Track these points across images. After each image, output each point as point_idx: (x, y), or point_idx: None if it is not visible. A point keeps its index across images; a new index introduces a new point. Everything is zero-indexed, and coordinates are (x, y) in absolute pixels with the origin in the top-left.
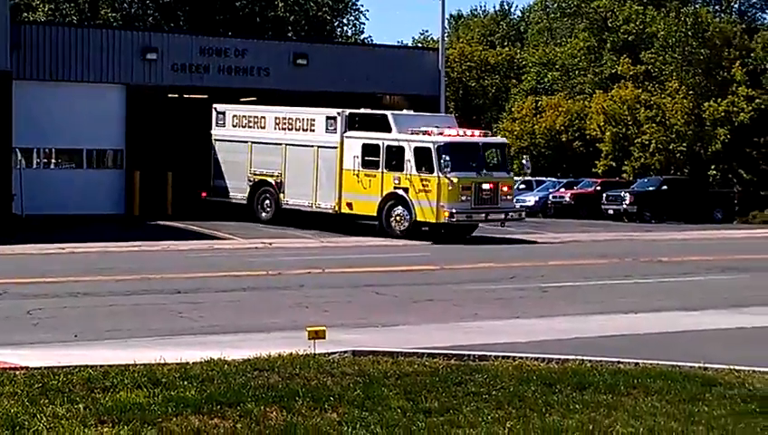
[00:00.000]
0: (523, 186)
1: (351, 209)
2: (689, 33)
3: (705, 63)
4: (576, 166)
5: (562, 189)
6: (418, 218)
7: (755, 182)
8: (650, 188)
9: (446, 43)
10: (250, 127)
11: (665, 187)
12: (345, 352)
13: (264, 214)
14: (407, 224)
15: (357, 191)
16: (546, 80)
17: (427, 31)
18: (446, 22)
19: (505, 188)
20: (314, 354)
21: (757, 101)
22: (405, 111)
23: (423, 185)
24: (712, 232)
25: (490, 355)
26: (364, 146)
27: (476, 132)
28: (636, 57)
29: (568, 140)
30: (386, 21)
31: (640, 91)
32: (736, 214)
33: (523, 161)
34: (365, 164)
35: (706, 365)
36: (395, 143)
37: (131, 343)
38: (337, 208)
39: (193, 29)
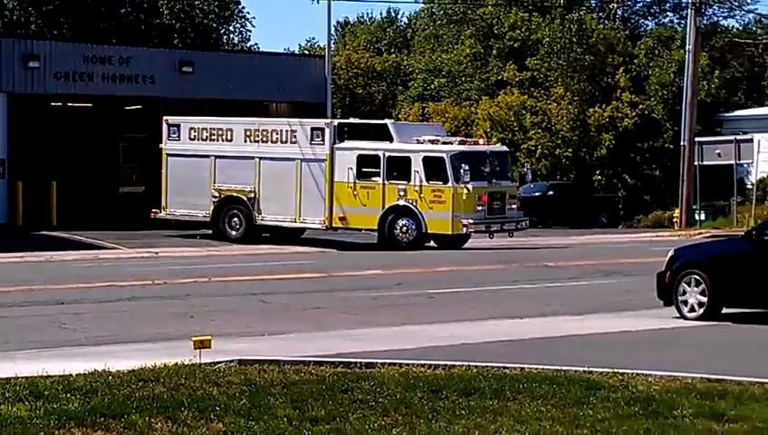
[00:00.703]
0: None
1: (345, 223)
2: (574, 39)
3: (589, 70)
4: None
5: None
6: (429, 230)
7: (639, 187)
8: (536, 194)
9: (333, 50)
10: (213, 140)
11: (551, 192)
12: (231, 361)
13: (233, 232)
14: (414, 236)
15: (351, 204)
16: (433, 86)
17: (313, 38)
18: (333, 29)
19: (512, 198)
20: (200, 364)
21: (641, 106)
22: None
23: (435, 196)
24: (597, 237)
25: (377, 362)
26: (360, 157)
27: (480, 141)
28: (522, 63)
29: None
30: (273, 28)
31: (526, 97)
32: (621, 218)
33: (526, 169)
34: (361, 175)
35: (591, 369)
36: (398, 153)
37: (12, 355)
38: (327, 223)
39: (76, 37)
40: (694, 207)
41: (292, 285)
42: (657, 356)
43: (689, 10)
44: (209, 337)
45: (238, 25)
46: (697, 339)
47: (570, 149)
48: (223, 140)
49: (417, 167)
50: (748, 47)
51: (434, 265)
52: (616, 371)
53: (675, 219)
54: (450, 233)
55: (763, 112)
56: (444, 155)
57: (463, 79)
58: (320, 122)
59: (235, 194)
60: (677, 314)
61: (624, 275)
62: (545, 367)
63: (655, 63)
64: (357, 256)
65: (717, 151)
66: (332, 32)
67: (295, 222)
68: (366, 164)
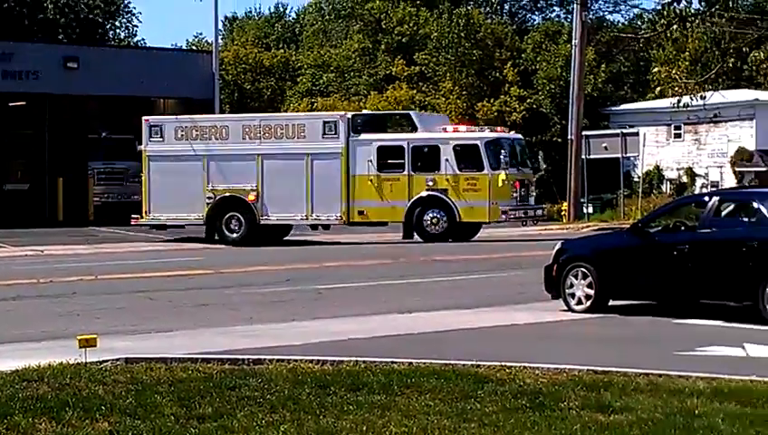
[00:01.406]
0: None
1: (365, 217)
2: (462, 34)
3: (477, 64)
4: None
5: None
6: (464, 219)
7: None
8: None
9: (221, 45)
10: (205, 139)
11: None
12: (117, 359)
13: (232, 235)
14: (445, 226)
15: (373, 198)
16: (321, 82)
17: (201, 33)
18: (221, 24)
19: (532, 186)
20: (86, 363)
21: (529, 101)
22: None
23: (469, 184)
24: (487, 231)
25: (264, 359)
26: (381, 148)
27: (498, 129)
28: (410, 58)
29: None
30: (160, 23)
31: (415, 91)
32: None
33: (539, 157)
34: (383, 168)
35: (479, 363)
36: (425, 143)
37: None
38: (345, 218)
39: None
40: (582, 200)
41: (180, 282)
42: (544, 349)
43: (575, 5)
44: (95, 336)
45: (124, 21)
46: (584, 331)
47: None
48: (216, 139)
49: (448, 155)
50: (633, 41)
51: (323, 261)
52: (504, 364)
53: (563, 212)
54: (487, 221)
55: (647, 106)
56: (478, 142)
57: (351, 74)
58: (333, 115)
59: (233, 194)
60: (565, 307)
61: (513, 269)
62: (434, 361)
63: (542, 58)
64: (247, 252)
65: (604, 145)
66: (220, 27)
67: (307, 219)
68: (388, 156)
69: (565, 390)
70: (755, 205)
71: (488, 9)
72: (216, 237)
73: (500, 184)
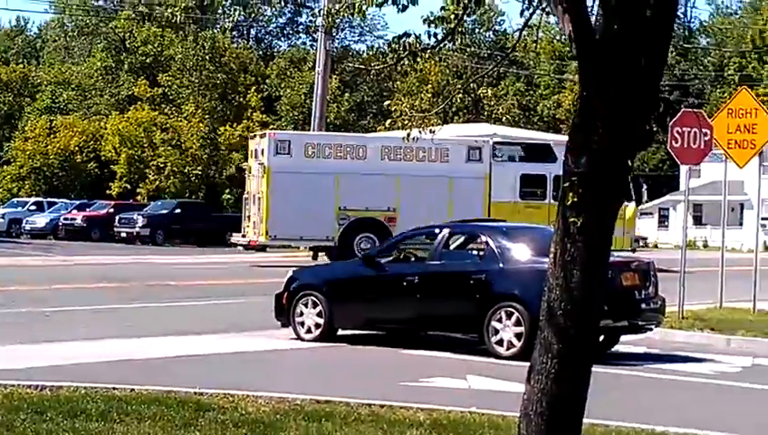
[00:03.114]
0: (33, 207)
1: None
2: (207, 57)
3: (221, 88)
4: (91, 187)
5: (75, 211)
6: None
7: None
8: (164, 211)
9: None
10: (339, 157)
11: (178, 210)
12: None
13: None
14: None
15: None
16: (62, 99)
17: None
18: None
19: None
20: None
21: (272, 126)
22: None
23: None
24: (224, 256)
25: None
26: (524, 176)
27: None
28: (154, 79)
29: (83, 161)
30: None
31: (157, 113)
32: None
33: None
34: (525, 195)
35: (202, 390)
36: None
37: None
38: None
39: None
40: None
41: None
42: (270, 377)
43: (321, 33)
44: None
45: None
46: (312, 360)
47: (199, 167)
48: (352, 158)
49: None
50: (377, 72)
51: (51, 283)
52: (227, 392)
53: None
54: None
55: (386, 136)
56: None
57: (93, 93)
58: (478, 140)
59: (367, 215)
60: (295, 336)
61: (245, 296)
62: (156, 388)
63: (286, 84)
64: None
65: None
66: None
67: None
68: (530, 184)
69: (287, 419)
70: (483, 238)
71: (235, 33)
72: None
73: (631, 214)
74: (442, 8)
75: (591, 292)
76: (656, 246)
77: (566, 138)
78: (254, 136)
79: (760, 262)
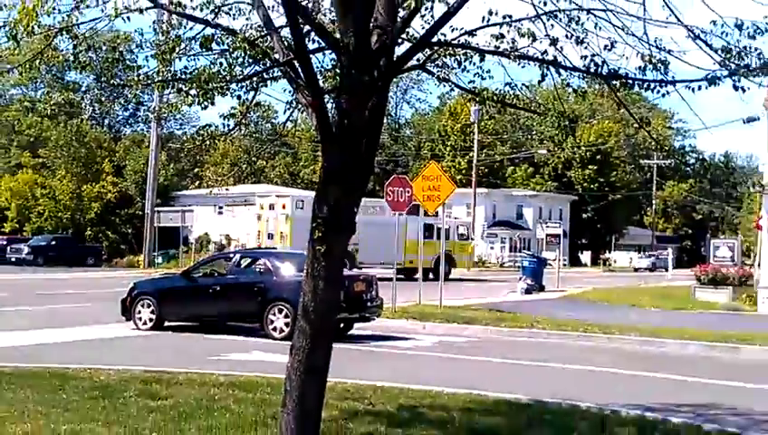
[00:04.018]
0: None
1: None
2: (73, 138)
3: (84, 159)
4: None
5: None
6: None
7: (118, 240)
8: (43, 243)
9: None
10: None
11: (54, 242)
12: None
13: None
14: None
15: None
16: None
17: None
18: None
19: None
20: None
21: (120, 185)
22: None
23: None
24: (86, 274)
25: None
26: (425, 225)
27: None
28: (35, 152)
29: None
30: None
31: (38, 176)
32: (105, 261)
33: None
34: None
35: (68, 366)
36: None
37: None
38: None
39: None
40: (154, 253)
41: None
42: (117, 355)
43: (153, 123)
44: None
45: None
46: (146, 343)
47: (69, 213)
48: None
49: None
50: (189, 149)
51: None
52: (86, 367)
53: (140, 262)
54: None
55: (199, 192)
56: None
57: None
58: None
59: None
60: (135, 327)
61: (101, 301)
62: (34, 365)
63: (131, 157)
64: None
65: (170, 217)
66: None
67: None
68: (427, 229)
69: (129, 383)
70: (262, 259)
71: (93, 121)
72: None
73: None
74: (232, 108)
75: (331, 296)
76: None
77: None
78: (272, 196)
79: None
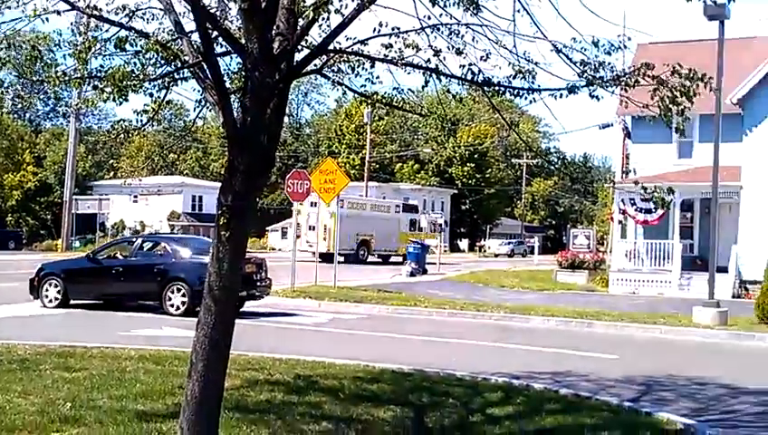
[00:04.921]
0: None
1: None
2: None
3: (6, 150)
4: None
5: None
6: None
7: (38, 225)
8: None
9: None
10: (353, 208)
11: None
12: None
13: None
14: None
15: None
16: None
17: None
18: None
19: None
20: None
21: (40, 175)
22: None
23: None
24: (4, 256)
25: None
26: (411, 220)
27: None
28: None
29: None
30: None
31: None
32: (25, 245)
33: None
34: (410, 229)
35: None
36: None
37: None
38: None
39: None
40: (72, 238)
41: None
42: (31, 331)
43: (72, 117)
44: None
45: None
46: (56, 321)
47: None
48: (355, 208)
49: None
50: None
51: None
52: (3, 342)
53: (58, 246)
54: None
55: (114, 182)
56: None
57: None
58: (409, 203)
59: (364, 237)
60: (42, 305)
61: (18, 281)
62: None
63: (51, 149)
64: None
65: (88, 205)
66: None
67: None
68: (412, 223)
69: (44, 358)
70: (162, 243)
71: (15, 115)
72: None
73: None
74: (145, 105)
75: (233, 276)
76: (279, 250)
77: None
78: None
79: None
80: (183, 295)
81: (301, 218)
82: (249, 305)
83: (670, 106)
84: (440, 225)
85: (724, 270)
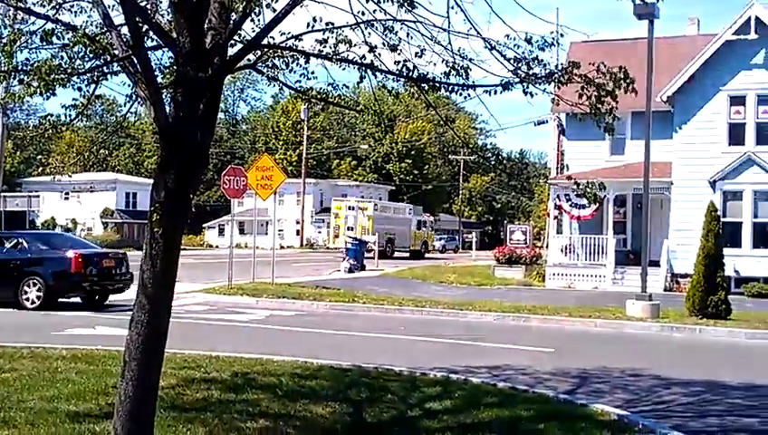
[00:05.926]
0: None
1: None
2: None
3: None
4: None
5: None
6: None
7: None
8: None
9: None
10: (380, 211)
11: None
12: None
13: None
14: None
15: None
16: None
17: None
18: None
19: None
20: None
21: None
22: None
23: None
24: None
25: None
26: (418, 221)
27: None
28: None
29: None
30: None
31: None
32: None
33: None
34: (419, 227)
35: None
36: None
37: None
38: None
39: None
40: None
41: None
42: None
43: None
44: None
45: None
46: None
47: None
48: (381, 212)
49: None
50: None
51: None
52: None
53: None
54: None
55: (44, 179)
56: None
57: None
58: (415, 210)
59: (389, 235)
60: None
61: None
62: None
63: None
64: None
65: (17, 202)
66: None
67: None
68: (419, 224)
69: None
70: (21, 240)
71: None
72: None
73: (430, 235)
74: (74, 99)
75: (166, 272)
76: (216, 247)
77: None
78: (351, 200)
79: (277, 255)
80: (39, 290)
81: (339, 221)
82: (179, 303)
83: (597, 105)
84: (428, 224)
85: (656, 264)
